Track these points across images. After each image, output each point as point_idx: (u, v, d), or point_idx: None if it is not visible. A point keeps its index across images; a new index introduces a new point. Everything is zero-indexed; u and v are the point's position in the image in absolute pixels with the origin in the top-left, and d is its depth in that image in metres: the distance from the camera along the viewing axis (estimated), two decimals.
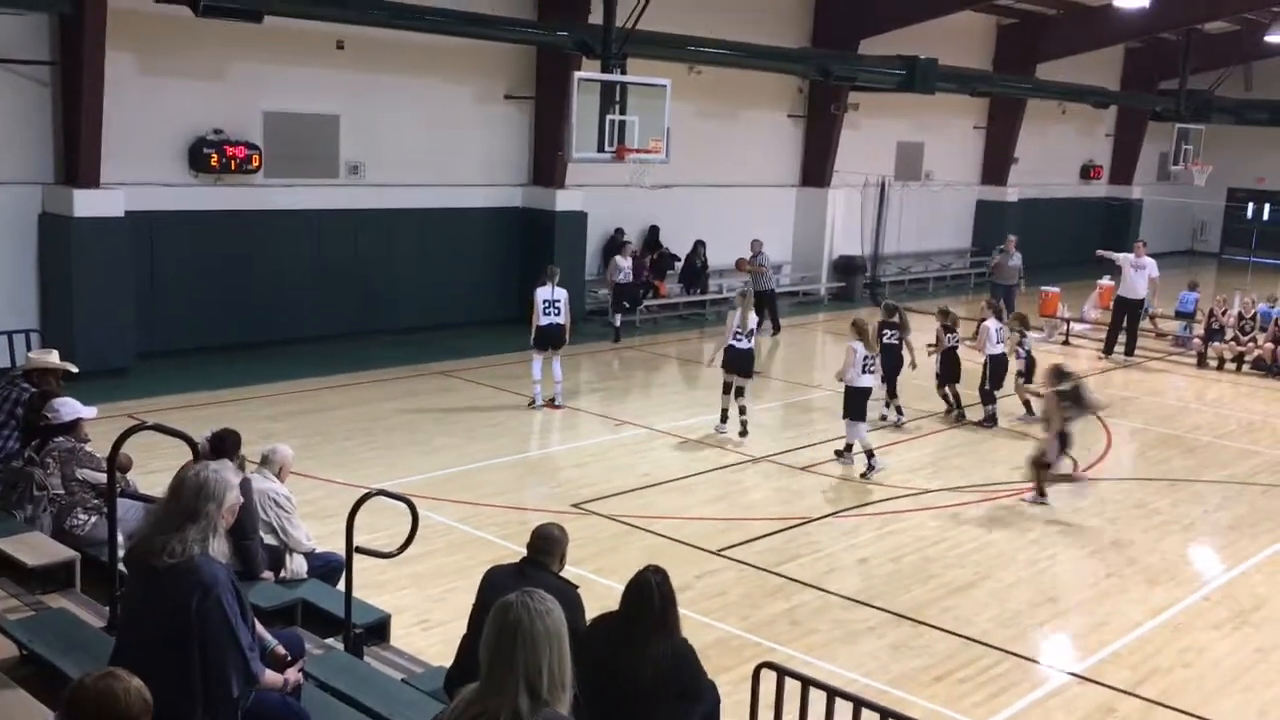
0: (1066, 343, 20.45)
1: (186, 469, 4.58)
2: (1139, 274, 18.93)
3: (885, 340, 13.64)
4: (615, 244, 20.23)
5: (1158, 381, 18.10)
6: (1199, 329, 19.74)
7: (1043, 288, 21.51)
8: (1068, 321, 20.83)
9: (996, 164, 28.57)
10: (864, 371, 12.17)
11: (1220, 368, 18.86)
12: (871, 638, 8.36)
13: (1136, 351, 19.60)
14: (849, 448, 12.42)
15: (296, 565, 7.17)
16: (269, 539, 7.05)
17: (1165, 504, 11.84)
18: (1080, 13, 25.83)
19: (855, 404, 12.21)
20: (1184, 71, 27.37)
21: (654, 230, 21.19)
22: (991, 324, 14.46)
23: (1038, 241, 27.93)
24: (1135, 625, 8.79)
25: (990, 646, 8.26)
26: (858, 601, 8.95)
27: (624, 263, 18.78)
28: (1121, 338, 19.32)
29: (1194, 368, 19.00)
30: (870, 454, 12.12)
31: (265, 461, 7.38)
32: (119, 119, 14.27)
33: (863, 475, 12.07)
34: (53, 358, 7.94)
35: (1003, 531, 10.76)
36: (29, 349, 8.55)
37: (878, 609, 8.82)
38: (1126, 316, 19.21)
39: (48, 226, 14.25)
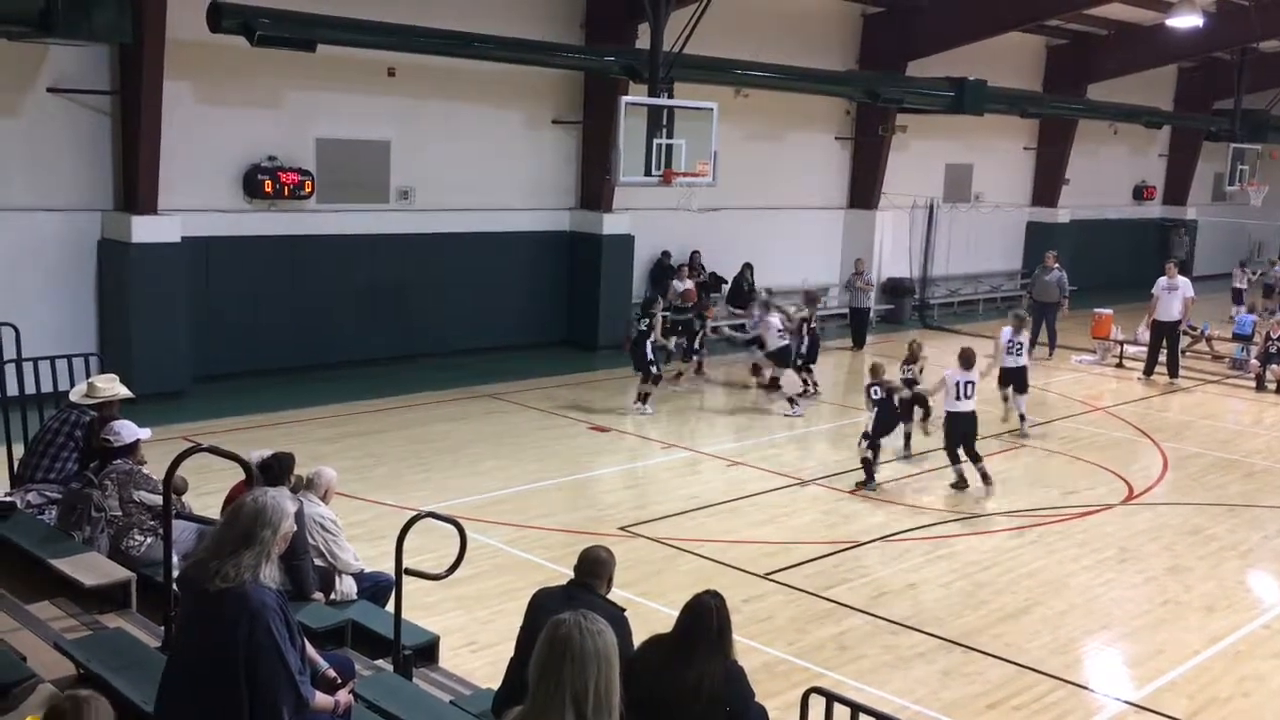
0: (1120, 365, 20.18)
1: (246, 495, 4.63)
2: (1172, 295, 18.72)
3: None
4: (662, 267, 20.21)
5: (1215, 405, 17.79)
6: (1256, 351, 19.41)
7: (1095, 310, 21.24)
8: (1120, 344, 20.54)
9: (1047, 185, 28.28)
10: (959, 398, 12.39)
11: (1279, 390, 18.51)
12: (922, 663, 8.27)
13: (1191, 374, 19.29)
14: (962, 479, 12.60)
15: (346, 587, 7.24)
16: (317, 561, 7.12)
17: (1223, 529, 11.62)
18: (1132, 33, 25.56)
19: (952, 432, 12.58)
20: (1239, 91, 26.96)
21: (667, 255, 20.73)
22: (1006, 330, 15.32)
23: (1090, 263, 27.72)
24: (1193, 653, 8.63)
25: (1044, 674, 8.14)
26: (908, 627, 8.86)
27: (680, 286, 18.58)
28: (1163, 357, 19.04)
29: (1252, 391, 18.68)
30: (963, 477, 12.50)
31: (310, 484, 7.44)
32: (176, 146, 14.56)
33: (953, 486, 12.52)
34: (116, 386, 8.05)
35: (1055, 557, 10.61)
36: (88, 373, 8.66)
37: (928, 634, 8.73)
38: (1165, 339, 18.99)
39: (107, 252, 14.55)
